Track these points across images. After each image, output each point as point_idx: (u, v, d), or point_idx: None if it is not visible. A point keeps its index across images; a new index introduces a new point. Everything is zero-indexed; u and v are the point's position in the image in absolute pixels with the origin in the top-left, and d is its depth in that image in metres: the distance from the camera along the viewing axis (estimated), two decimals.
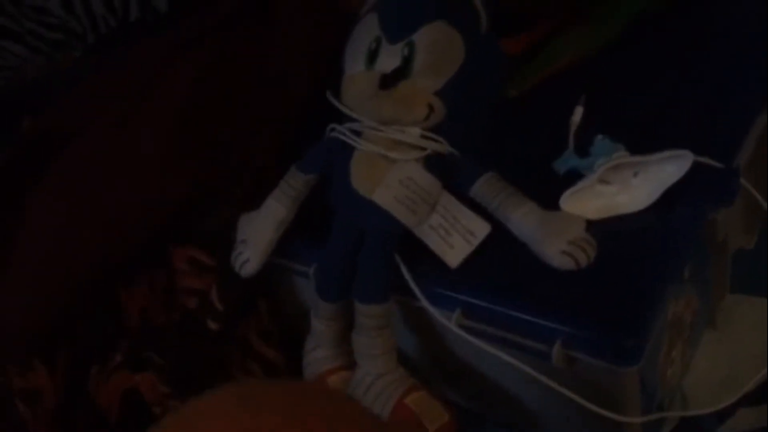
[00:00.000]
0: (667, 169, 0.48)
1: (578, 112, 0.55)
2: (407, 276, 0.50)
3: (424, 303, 0.49)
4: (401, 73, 0.49)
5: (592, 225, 0.48)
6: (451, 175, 0.50)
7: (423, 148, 0.50)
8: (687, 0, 0.61)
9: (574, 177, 0.51)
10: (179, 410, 0.39)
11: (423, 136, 0.50)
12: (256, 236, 0.55)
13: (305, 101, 0.60)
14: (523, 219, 0.48)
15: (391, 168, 0.50)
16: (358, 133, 0.51)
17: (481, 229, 0.48)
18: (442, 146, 0.50)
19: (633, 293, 0.46)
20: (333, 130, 0.52)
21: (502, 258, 0.49)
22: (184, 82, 0.60)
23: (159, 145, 0.58)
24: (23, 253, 0.57)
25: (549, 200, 0.49)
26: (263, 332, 0.61)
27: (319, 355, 0.55)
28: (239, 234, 0.56)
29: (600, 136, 0.52)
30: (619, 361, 0.45)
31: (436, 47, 0.49)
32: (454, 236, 0.49)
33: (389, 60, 0.50)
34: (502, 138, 0.54)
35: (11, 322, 0.56)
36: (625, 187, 0.49)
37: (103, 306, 0.58)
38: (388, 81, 0.49)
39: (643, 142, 0.50)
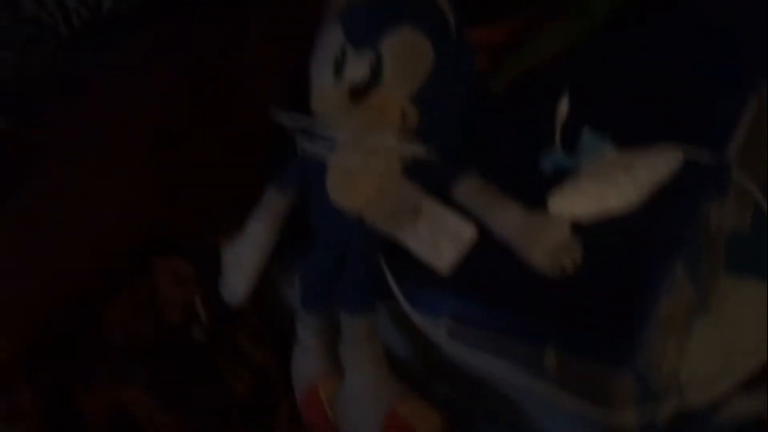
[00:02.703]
0: (656, 166, 0.46)
1: (563, 105, 0.53)
2: (394, 286, 0.48)
3: (412, 313, 0.48)
4: (371, 84, 0.47)
5: (580, 226, 0.46)
6: (432, 180, 0.49)
7: (400, 155, 0.48)
8: None
9: (561, 175, 0.49)
10: None
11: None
12: (242, 263, 0.54)
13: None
14: (506, 222, 0.46)
15: (369, 180, 0.48)
16: (332, 146, 0.49)
17: (469, 233, 0.47)
18: (420, 150, 0.48)
19: (624, 294, 0.45)
20: (306, 144, 0.50)
21: (489, 261, 0.47)
22: (163, 90, 0.58)
23: (137, 160, 0.56)
24: None
25: (536, 200, 0.47)
26: (251, 334, 0.60)
27: (307, 364, 0.54)
28: (224, 260, 0.55)
29: (586, 132, 0.50)
30: (613, 364, 0.44)
31: (405, 53, 0.47)
32: (442, 243, 0.47)
33: (357, 69, 0.48)
34: (485, 136, 0.53)
35: None
36: (614, 185, 0.47)
37: (84, 322, 0.57)
38: (358, 93, 0.47)
39: (631, 136, 0.49)
